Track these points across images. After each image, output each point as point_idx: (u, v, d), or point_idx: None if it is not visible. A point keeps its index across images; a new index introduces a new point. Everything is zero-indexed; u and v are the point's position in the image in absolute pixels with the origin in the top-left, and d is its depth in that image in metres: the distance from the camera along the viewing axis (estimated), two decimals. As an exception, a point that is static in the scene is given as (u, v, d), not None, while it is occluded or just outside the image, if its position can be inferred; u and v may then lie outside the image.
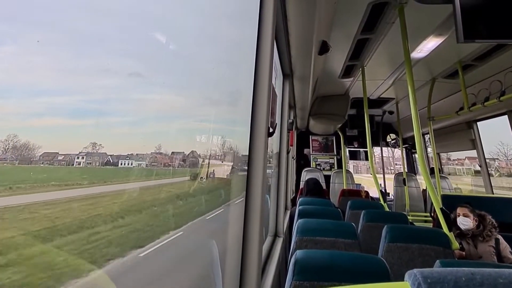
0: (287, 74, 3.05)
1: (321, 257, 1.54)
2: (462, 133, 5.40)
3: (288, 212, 4.09)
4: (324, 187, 6.40)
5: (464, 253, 2.70)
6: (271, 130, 1.48)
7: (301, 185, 5.94)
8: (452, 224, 2.65)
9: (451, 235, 2.35)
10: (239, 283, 1.13)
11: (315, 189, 4.23)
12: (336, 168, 7.35)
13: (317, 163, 7.57)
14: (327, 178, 6.90)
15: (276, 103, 2.49)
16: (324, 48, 2.77)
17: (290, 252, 2.25)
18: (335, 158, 7.59)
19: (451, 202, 3.21)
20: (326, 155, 7.62)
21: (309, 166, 7.43)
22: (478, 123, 5.14)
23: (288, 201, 4.79)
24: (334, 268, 1.49)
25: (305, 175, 6.75)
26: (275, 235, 2.76)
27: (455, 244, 2.33)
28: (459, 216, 2.84)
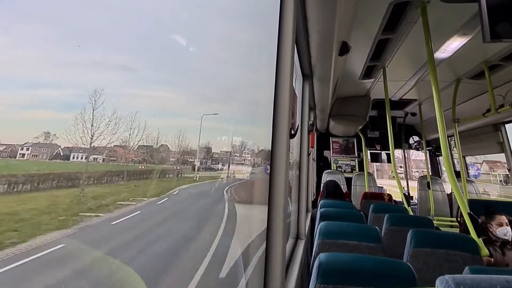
0: (307, 75, 3.04)
1: (345, 261, 1.52)
2: (489, 136, 5.20)
3: (309, 215, 4.06)
4: (346, 189, 6.32)
5: (492, 260, 2.59)
6: (292, 132, 1.47)
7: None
8: (481, 230, 2.54)
9: (479, 241, 2.26)
10: (264, 283, 1.13)
11: (334, 192, 4.19)
12: (357, 171, 7.23)
13: (337, 165, 7.47)
14: (349, 180, 6.80)
15: (297, 104, 2.48)
16: (344, 49, 2.75)
17: (312, 254, 2.23)
18: (356, 160, 7.47)
19: (479, 207, 3.09)
20: (347, 157, 7.50)
21: (330, 168, 7.34)
22: (506, 125, 4.95)
23: (309, 203, 4.76)
24: (359, 272, 1.46)
25: (326, 177, 6.68)
26: (297, 237, 2.74)
27: (485, 251, 2.24)
28: (501, 225, 2.71)
